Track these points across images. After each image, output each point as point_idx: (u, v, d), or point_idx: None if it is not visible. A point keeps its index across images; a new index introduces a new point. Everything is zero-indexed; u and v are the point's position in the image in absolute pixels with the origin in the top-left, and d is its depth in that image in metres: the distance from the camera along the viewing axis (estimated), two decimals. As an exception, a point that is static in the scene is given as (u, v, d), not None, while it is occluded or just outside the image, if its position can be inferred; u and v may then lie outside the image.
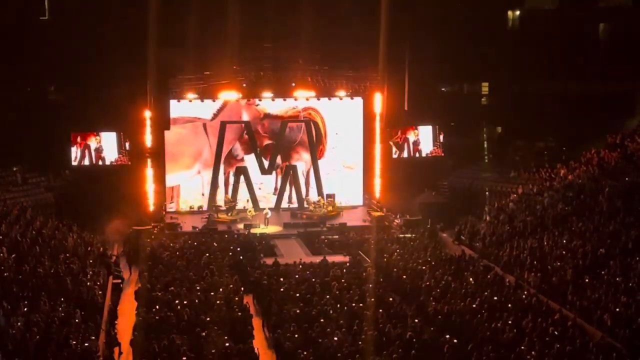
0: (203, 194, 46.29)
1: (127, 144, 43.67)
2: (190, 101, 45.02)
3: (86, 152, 43.50)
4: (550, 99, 47.96)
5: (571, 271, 28.59)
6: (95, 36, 44.04)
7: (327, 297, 27.35)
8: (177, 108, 44.95)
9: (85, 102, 45.83)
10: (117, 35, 42.84)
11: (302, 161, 47.51)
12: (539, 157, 47.50)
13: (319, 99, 46.41)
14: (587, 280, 27.71)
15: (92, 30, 44.28)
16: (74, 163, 43.77)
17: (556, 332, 23.73)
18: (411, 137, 46.50)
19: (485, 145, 52.88)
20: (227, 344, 22.70)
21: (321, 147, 47.67)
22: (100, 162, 43.63)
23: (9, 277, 26.51)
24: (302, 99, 46.24)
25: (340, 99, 46.59)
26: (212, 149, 46.10)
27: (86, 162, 43.58)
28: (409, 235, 37.12)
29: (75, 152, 43.48)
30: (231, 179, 46.38)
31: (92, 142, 43.53)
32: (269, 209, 44.07)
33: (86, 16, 44.98)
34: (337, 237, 39.61)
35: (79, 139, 43.57)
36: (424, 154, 46.75)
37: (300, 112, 47.02)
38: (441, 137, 46.66)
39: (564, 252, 30.58)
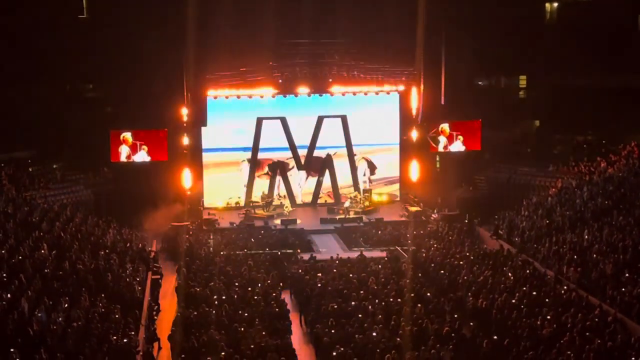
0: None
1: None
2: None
3: (124, 149, 43.77)
4: (589, 92, 47.26)
5: (611, 266, 28.26)
6: (132, 34, 44.28)
7: (365, 292, 27.39)
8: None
9: (123, 100, 46.30)
10: (154, 32, 43.04)
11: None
12: (578, 151, 46.98)
13: (354, 94, 46.24)
14: (627, 275, 27.38)
15: (130, 27, 44.53)
16: (113, 160, 44.05)
17: (596, 328, 23.51)
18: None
19: (523, 139, 52.39)
20: (265, 340, 22.81)
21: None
22: (138, 159, 43.86)
23: (50, 273, 26.86)
24: (338, 94, 46.13)
25: (377, 94, 46.41)
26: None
27: (124, 159, 43.78)
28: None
29: (113, 149, 43.69)
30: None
31: (130, 140, 43.76)
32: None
33: (123, 14, 45.22)
34: (374, 232, 39.55)
35: (117, 137, 43.79)
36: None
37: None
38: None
39: (603, 247, 30.26)
